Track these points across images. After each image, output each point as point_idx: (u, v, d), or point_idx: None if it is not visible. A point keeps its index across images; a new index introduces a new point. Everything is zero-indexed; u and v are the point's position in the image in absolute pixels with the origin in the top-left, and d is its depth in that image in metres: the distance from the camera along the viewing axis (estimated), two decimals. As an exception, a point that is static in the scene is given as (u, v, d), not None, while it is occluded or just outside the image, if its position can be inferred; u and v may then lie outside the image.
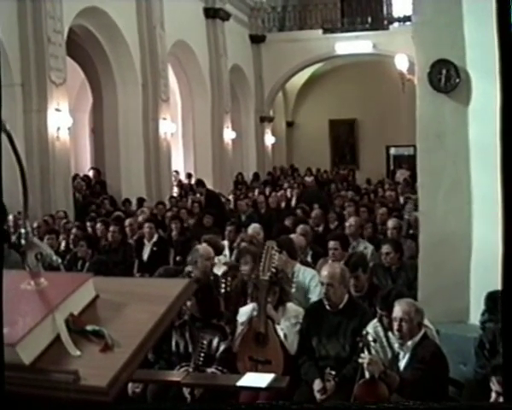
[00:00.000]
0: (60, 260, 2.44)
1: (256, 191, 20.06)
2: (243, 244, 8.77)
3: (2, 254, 2.00)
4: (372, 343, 5.79)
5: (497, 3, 2.38)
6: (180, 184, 22.48)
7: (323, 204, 15.50)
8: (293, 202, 17.90)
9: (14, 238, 11.98)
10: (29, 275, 2.35)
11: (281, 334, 6.61)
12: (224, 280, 7.71)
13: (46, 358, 2.01)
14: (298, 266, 8.13)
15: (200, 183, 20.92)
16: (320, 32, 29.17)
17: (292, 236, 9.44)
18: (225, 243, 10.80)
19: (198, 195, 17.92)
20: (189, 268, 8.76)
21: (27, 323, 2.04)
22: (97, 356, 1.99)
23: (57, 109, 15.40)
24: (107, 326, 2.09)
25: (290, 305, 6.98)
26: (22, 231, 2.40)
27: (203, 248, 8.40)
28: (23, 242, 2.40)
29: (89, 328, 2.08)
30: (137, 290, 2.32)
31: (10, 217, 13.31)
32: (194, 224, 13.79)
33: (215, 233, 11.30)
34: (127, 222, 12.59)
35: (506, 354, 1.92)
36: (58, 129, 15.32)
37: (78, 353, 2.01)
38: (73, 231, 11.77)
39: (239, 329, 6.82)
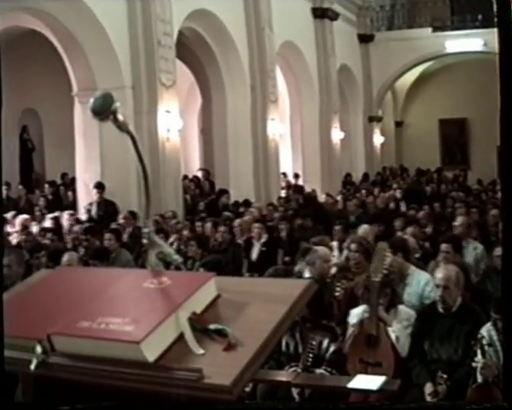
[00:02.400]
0: (180, 260, 2.47)
1: (363, 192, 19.87)
2: (353, 246, 8.68)
3: (2, 249, 2.04)
4: (486, 347, 5.68)
5: (496, 4, 2.31)
6: (288, 185, 22.46)
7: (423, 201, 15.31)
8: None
9: (125, 237, 12.20)
10: (151, 274, 2.38)
11: (392, 336, 6.53)
12: (338, 283, 7.65)
13: (170, 356, 2.03)
14: (412, 268, 8.00)
15: (297, 190, 20.89)
16: (429, 30, 28.75)
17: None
18: (334, 243, 10.73)
19: (293, 203, 17.88)
20: (297, 268, 8.75)
21: (151, 321, 2.06)
22: (221, 355, 2.00)
23: (167, 111, 15.59)
24: (229, 325, 2.10)
25: (402, 307, 6.90)
26: (145, 230, 2.44)
27: (322, 249, 8.38)
28: (145, 241, 2.44)
29: (212, 327, 2.09)
30: (259, 290, 2.32)
31: (121, 216, 13.53)
32: (299, 225, 13.77)
33: (319, 233, 11.26)
34: (236, 222, 12.69)
35: (506, 353, 1.88)
36: (168, 130, 15.51)
37: (202, 351, 2.03)
38: (185, 232, 11.95)
39: (350, 330, 6.77)
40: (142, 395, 2.10)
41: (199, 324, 2.11)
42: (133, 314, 2.11)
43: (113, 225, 12.52)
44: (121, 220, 13.22)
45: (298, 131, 24.26)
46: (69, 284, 2.60)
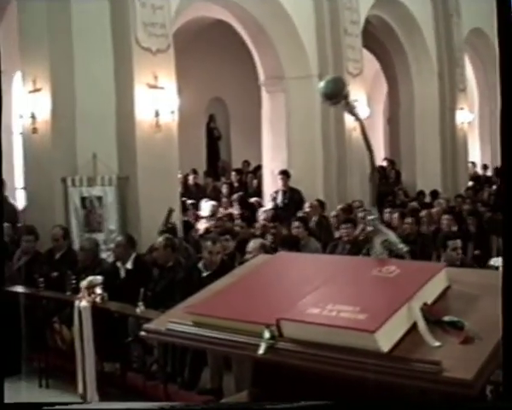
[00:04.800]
0: (406, 249, 2.41)
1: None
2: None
3: (2, 248, 2.02)
4: None
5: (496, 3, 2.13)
6: (476, 177, 21.88)
7: None
8: None
9: (311, 225, 12.24)
10: (377, 262, 2.34)
11: None
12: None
13: (403, 346, 1.98)
14: None
15: (498, 172, 20.30)
16: None
17: None
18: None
19: (494, 187, 17.39)
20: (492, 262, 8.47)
21: (384, 310, 2.02)
22: (457, 348, 1.93)
23: (354, 100, 15.47)
24: (461, 318, 2.02)
25: None
26: (369, 217, 2.40)
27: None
28: (370, 228, 2.40)
29: (446, 318, 2.03)
30: (489, 282, 2.24)
31: (306, 204, 13.57)
32: (490, 217, 13.39)
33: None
34: (423, 213, 12.49)
35: (506, 352, 1.73)
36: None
37: (438, 343, 1.96)
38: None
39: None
40: (364, 385, 2.06)
41: (431, 315, 2.04)
42: (364, 303, 2.07)
43: (300, 214, 12.57)
44: (307, 209, 13.25)
45: (486, 121, 23.60)
46: (290, 269, 2.59)
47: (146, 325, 2.47)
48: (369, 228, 2.40)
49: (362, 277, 2.30)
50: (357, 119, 2.37)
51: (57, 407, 2.47)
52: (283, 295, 2.32)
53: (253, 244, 8.45)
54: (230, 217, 12.70)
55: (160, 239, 9.17)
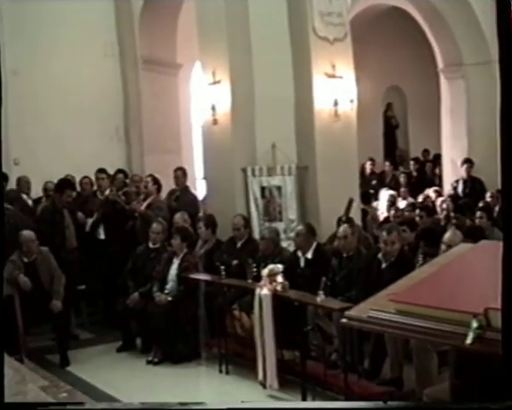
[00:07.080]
0: None
1: None
2: None
3: (2, 242, 1.95)
4: None
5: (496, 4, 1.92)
6: None
7: None
8: None
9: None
10: None
11: None
12: None
13: None
14: None
15: None
16: None
17: None
18: None
19: None
20: None
21: None
22: None
23: (537, 85, 14.97)
24: None
25: None
26: None
27: None
28: None
29: None
30: None
31: (488, 193, 13.16)
32: None
33: None
34: None
35: (506, 352, 1.55)
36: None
37: None
38: None
39: None
40: None
41: None
42: None
43: (481, 203, 12.22)
44: (488, 198, 12.89)
45: None
46: (494, 258, 2.51)
47: (348, 312, 2.45)
48: None
49: None
50: None
51: (52, 407, 2.53)
52: (489, 284, 2.24)
53: (451, 236, 8.19)
54: (413, 207, 12.48)
55: (347, 228, 9.06)
